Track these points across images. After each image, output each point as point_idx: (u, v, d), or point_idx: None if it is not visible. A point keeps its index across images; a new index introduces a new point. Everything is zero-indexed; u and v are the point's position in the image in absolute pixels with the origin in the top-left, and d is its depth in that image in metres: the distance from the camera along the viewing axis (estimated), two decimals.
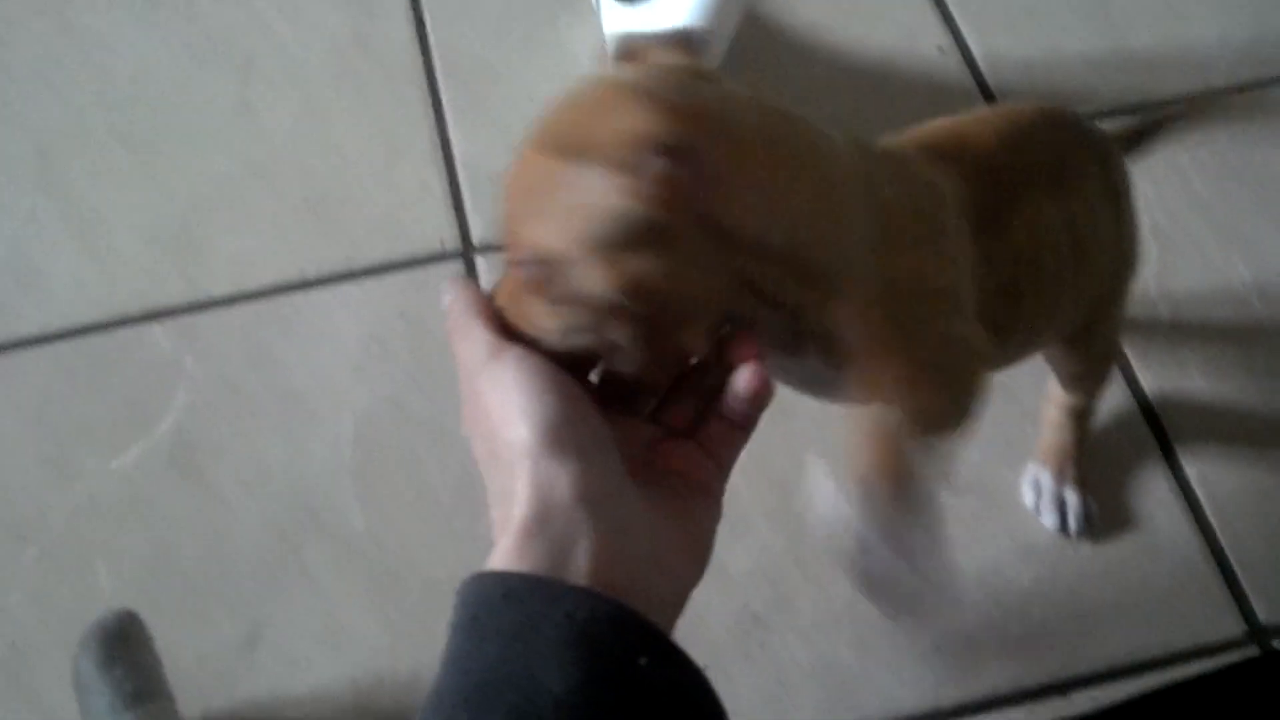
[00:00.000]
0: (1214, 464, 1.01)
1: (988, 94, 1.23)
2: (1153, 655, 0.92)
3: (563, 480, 0.50)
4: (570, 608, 0.47)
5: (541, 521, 0.49)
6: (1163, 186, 1.16)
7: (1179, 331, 1.07)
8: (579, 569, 0.48)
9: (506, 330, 0.54)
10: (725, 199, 0.50)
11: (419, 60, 1.29)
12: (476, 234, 1.16)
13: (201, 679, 0.94)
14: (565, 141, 0.51)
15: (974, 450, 1.00)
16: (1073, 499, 0.97)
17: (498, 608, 0.48)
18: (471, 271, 1.14)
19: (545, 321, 0.53)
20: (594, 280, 0.50)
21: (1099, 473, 0.99)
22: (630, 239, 0.49)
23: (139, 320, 1.12)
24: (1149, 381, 1.05)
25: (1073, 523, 0.96)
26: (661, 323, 0.52)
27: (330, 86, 1.28)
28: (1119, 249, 0.83)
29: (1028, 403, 1.03)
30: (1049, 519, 0.97)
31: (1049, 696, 0.91)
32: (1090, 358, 0.91)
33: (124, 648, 0.88)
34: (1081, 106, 1.22)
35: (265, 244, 1.17)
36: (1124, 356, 1.06)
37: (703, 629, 0.95)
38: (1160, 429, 1.03)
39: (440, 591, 0.97)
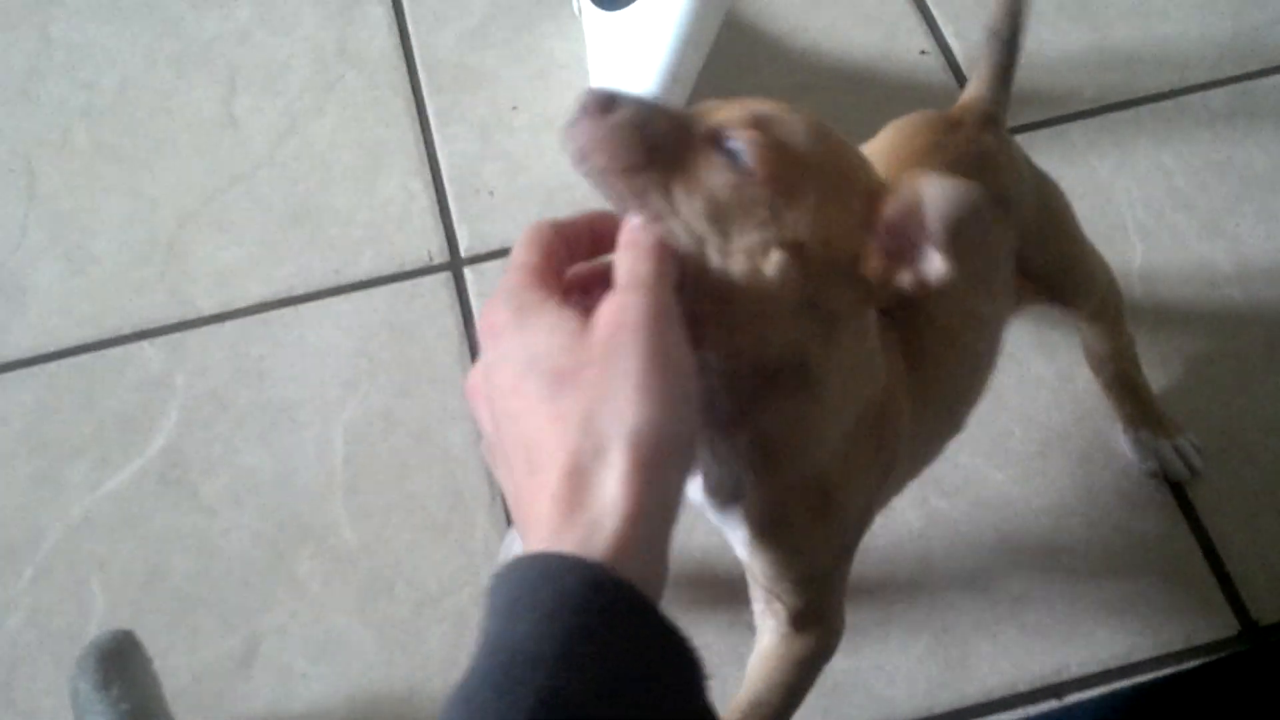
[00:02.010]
0: (1204, 460, 1.00)
1: None
2: (1147, 655, 0.93)
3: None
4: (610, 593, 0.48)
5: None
6: (1145, 182, 1.17)
7: (1163, 327, 1.08)
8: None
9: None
10: None
11: (403, 69, 1.30)
12: (464, 245, 1.17)
13: (199, 696, 0.94)
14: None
15: (962, 453, 1.00)
16: (1184, 444, 0.99)
17: (536, 585, 0.48)
18: (460, 284, 1.14)
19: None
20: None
21: (1086, 471, 1.00)
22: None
23: (129, 339, 1.12)
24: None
25: (1196, 462, 0.99)
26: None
27: (314, 97, 1.28)
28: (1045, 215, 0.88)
29: (1013, 403, 1.04)
30: (1174, 469, 0.99)
31: (1043, 699, 0.91)
32: (1087, 301, 0.95)
33: (121, 668, 0.88)
34: (1065, 105, 1.22)
35: (253, 258, 1.17)
36: None
37: (696, 633, 0.94)
38: None
39: (432, 603, 0.98)
